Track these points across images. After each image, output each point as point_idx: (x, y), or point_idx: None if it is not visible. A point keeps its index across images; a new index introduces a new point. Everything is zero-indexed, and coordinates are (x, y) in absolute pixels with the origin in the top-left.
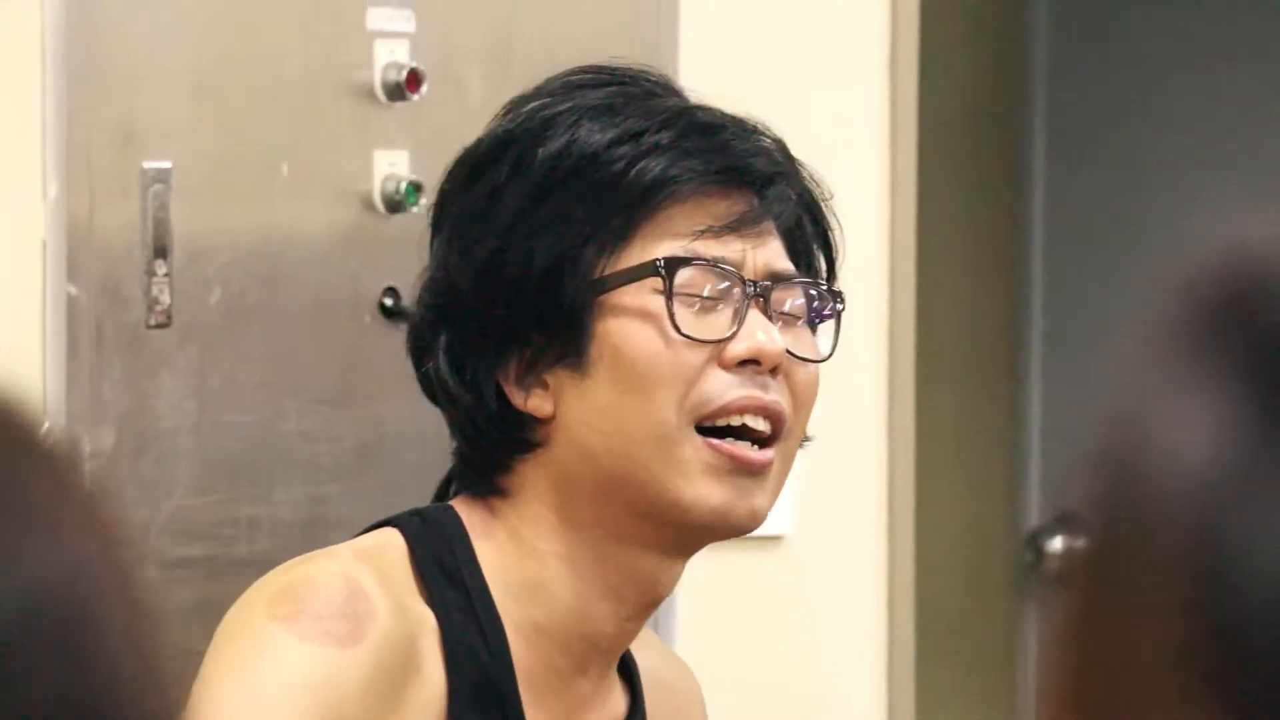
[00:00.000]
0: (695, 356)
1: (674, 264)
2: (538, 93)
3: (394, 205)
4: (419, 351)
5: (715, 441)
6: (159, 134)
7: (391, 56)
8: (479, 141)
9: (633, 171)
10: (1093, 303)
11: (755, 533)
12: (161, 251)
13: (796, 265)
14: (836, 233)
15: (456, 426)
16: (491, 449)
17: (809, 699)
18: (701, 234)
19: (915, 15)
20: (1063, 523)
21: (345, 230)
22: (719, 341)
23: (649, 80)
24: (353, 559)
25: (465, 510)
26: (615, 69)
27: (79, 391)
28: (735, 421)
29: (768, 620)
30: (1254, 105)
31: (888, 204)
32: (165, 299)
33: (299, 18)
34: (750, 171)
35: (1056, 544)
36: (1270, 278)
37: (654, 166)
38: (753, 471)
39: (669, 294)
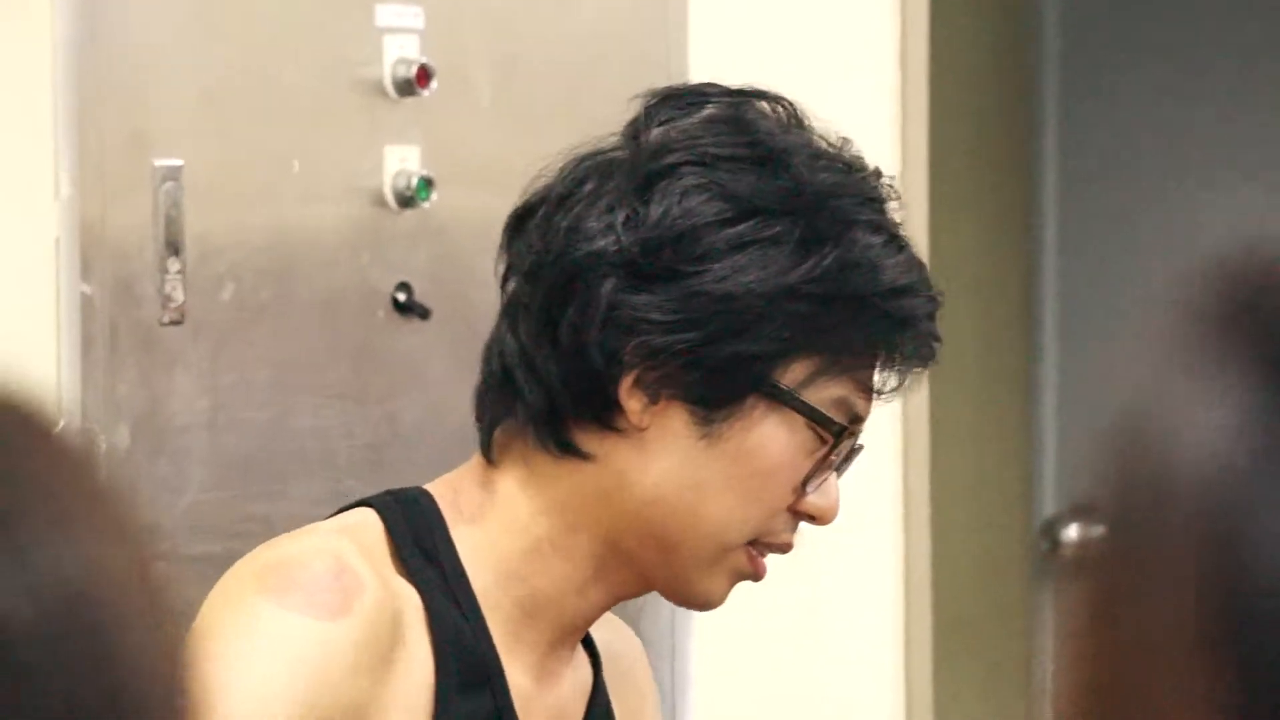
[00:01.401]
0: (789, 497)
1: (848, 437)
2: (832, 163)
3: (405, 201)
4: (574, 268)
5: (755, 558)
6: (170, 132)
7: (401, 52)
8: (777, 149)
9: (890, 326)
10: (1108, 292)
11: None
12: (174, 249)
13: None
14: None
15: (563, 355)
16: (564, 404)
17: (827, 693)
18: (870, 394)
19: (925, 3)
20: (1078, 512)
21: (357, 226)
22: (807, 492)
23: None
24: (336, 535)
25: (444, 493)
26: (873, 174)
27: (93, 390)
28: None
29: (784, 615)
30: (1273, 90)
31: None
32: (178, 296)
33: (308, 15)
34: (927, 365)
35: (1072, 533)
36: (1256, 255)
37: (902, 336)
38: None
39: (825, 458)
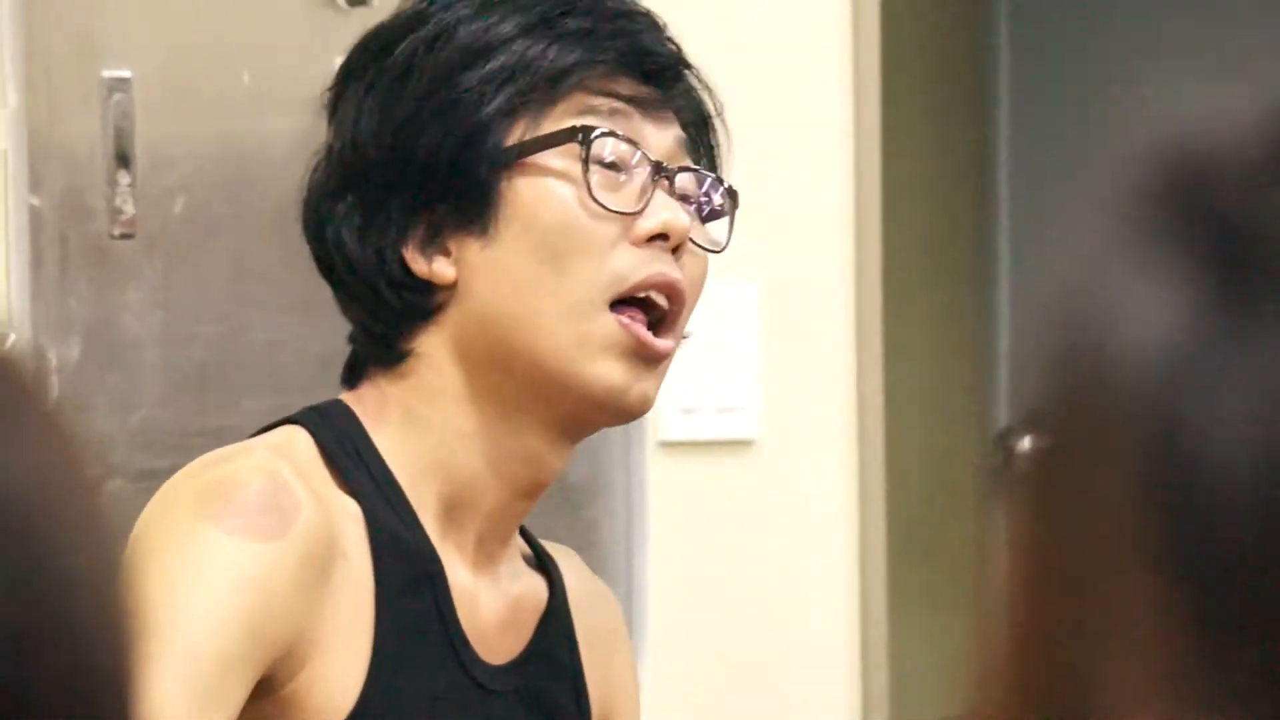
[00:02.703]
0: (608, 230)
1: (592, 131)
2: None
3: None
4: (316, 222)
5: (625, 320)
6: (118, 42)
7: None
8: (394, 18)
9: (552, 53)
10: (1060, 200)
11: (725, 436)
12: (124, 161)
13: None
14: (724, 147)
15: (357, 296)
16: (393, 316)
17: (781, 599)
18: (614, 113)
19: None
20: (1030, 422)
21: (307, 137)
22: (629, 215)
23: None
24: (270, 454)
25: (355, 402)
26: None
27: (44, 304)
28: (641, 294)
29: (739, 524)
30: None
31: (851, 103)
32: (129, 209)
33: None
34: (660, 61)
35: (1025, 444)
36: (1220, 156)
37: (572, 50)
38: (650, 359)
39: (586, 162)
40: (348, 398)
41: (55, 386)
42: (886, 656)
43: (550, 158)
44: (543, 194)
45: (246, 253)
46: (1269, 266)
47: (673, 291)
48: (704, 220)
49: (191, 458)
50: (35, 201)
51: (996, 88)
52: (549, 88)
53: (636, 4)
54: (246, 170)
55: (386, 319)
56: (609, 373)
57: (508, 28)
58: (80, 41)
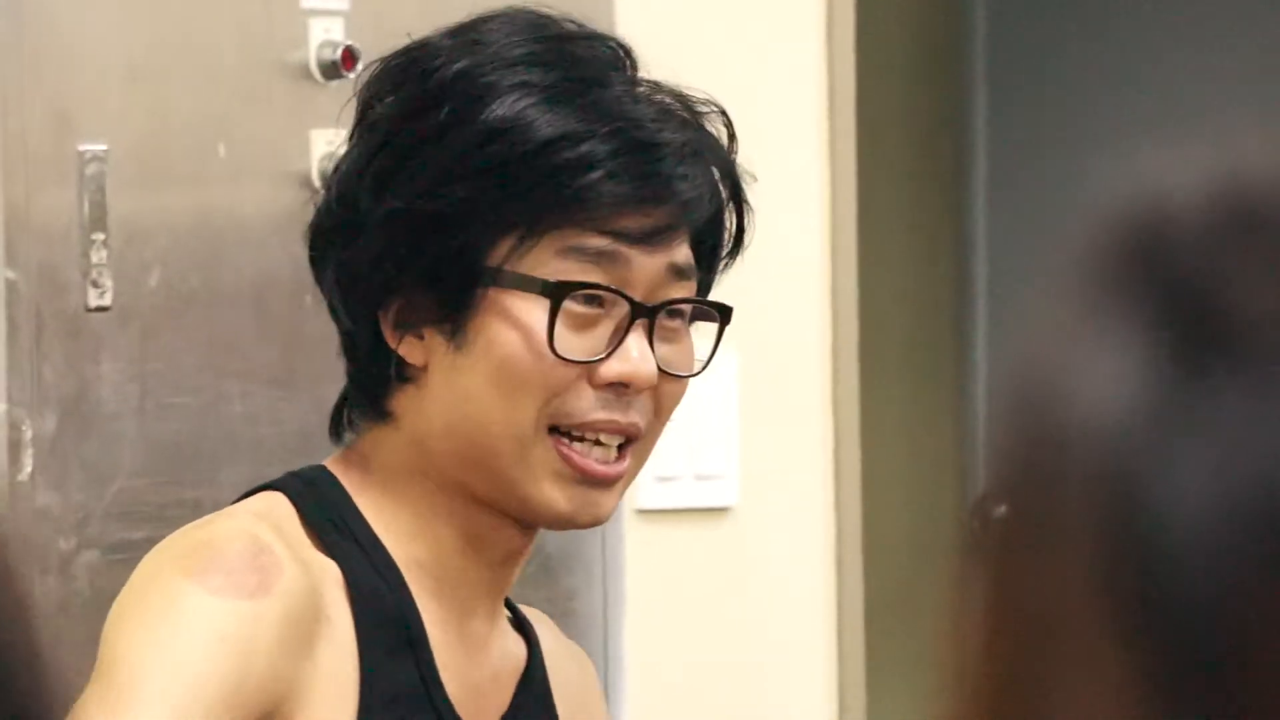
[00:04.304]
0: (565, 373)
1: (563, 290)
2: (488, 38)
3: None
4: (315, 260)
5: (566, 450)
6: (94, 116)
7: (326, 35)
8: (424, 61)
9: (561, 178)
10: (1036, 274)
11: (703, 504)
12: (100, 235)
13: (700, 253)
14: (750, 218)
15: (345, 345)
16: (371, 376)
17: (759, 669)
18: (601, 255)
19: None
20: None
21: (284, 210)
22: (593, 362)
23: (599, 59)
24: (251, 518)
25: (339, 467)
26: (568, 40)
27: (19, 377)
28: (589, 435)
29: (717, 592)
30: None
31: (828, 174)
32: (105, 282)
33: None
34: (674, 195)
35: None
36: (1176, 222)
37: (583, 181)
38: (602, 484)
39: (552, 316)
40: (331, 463)
41: (31, 459)
42: None
43: (522, 295)
44: (506, 330)
45: (223, 325)
46: (1224, 332)
47: (623, 434)
48: (693, 320)
49: (168, 530)
50: (10, 275)
51: (974, 161)
52: (541, 220)
53: (669, 118)
54: (223, 243)
55: (367, 375)
56: (555, 500)
57: (527, 138)
58: (56, 115)
